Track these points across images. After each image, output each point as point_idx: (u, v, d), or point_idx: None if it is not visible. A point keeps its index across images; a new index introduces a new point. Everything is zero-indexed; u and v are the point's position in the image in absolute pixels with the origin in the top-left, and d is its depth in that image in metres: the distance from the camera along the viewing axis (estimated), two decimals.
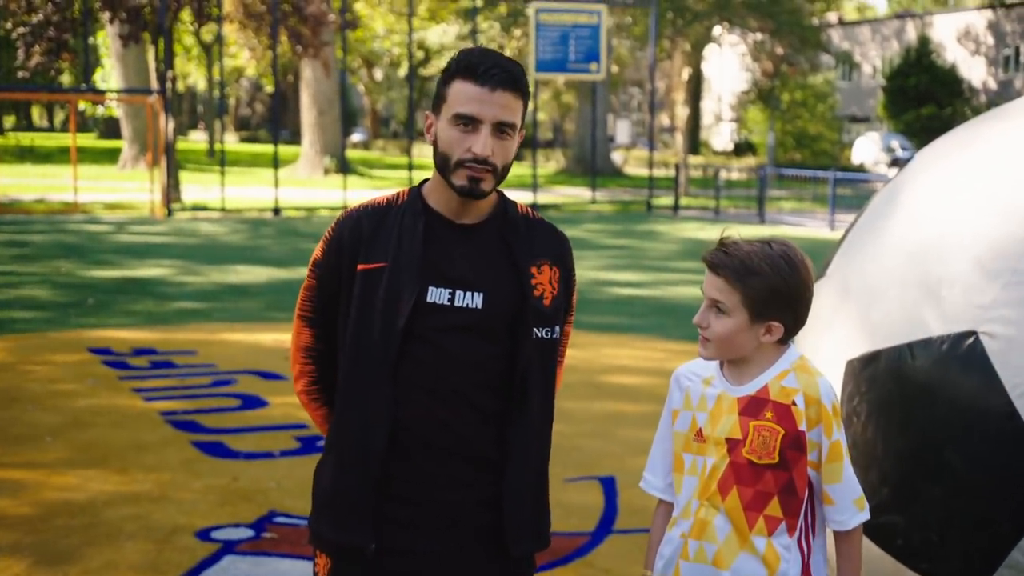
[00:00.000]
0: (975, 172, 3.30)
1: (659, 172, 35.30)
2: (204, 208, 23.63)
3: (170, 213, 22.31)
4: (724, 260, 2.45)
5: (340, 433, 2.54)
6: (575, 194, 31.61)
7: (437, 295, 2.46)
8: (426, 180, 2.60)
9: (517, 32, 29.82)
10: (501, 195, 2.60)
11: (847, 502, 2.50)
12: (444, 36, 31.69)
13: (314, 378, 2.64)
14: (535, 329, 2.51)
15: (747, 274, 2.43)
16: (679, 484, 2.55)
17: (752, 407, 2.47)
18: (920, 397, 3.09)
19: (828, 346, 3.46)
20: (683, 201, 27.95)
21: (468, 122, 2.43)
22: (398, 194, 2.60)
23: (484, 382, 2.49)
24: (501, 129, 2.44)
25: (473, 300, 2.47)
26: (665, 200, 28.11)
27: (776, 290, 2.44)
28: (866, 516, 2.54)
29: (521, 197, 28.29)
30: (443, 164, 2.47)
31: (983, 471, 2.98)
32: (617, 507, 5.54)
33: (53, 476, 5.73)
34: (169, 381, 7.97)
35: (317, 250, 2.60)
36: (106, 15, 24.37)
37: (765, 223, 23.42)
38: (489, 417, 2.51)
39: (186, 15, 26.41)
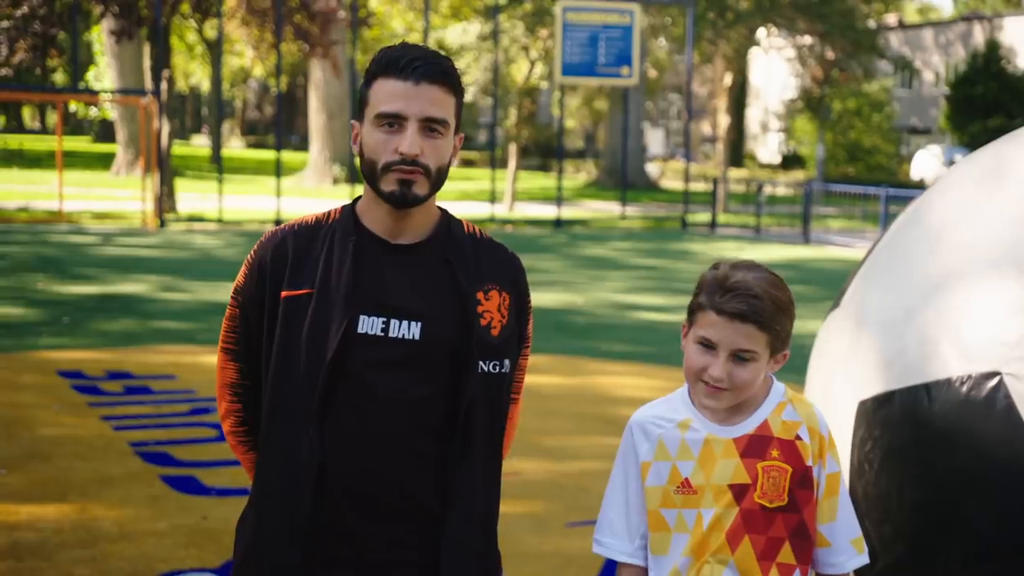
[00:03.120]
0: (1005, 197, 3.22)
1: (699, 186, 35.24)
2: (200, 219, 23.73)
3: (163, 224, 22.42)
4: (755, 306, 2.37)
5: (262, 484, 2.46)
6: (604, 209, 31.58)
7: (369, 325, 2.37)
8: (360, 197, 2.52)
9: (543, 32, 29.86)
10: (444, 212, 2.53)
11: (844, 542, 2.46)
12: (464, 35, 31.74)
13: (241, 418, 2.56)
14: (480, 363, 2.42)
15: (776, 313, 2.39)
16: (664, 544, 2.47)
17: (754, 447, 2.42)
18: (938, 444, 3.02)
19: (840, 384, 3.40)
20: (722, 218, 27.88)
21: (393, 121, 2.36)
22: (329, 212, 2.51)
23: (423, 424, 2.40)
24: (430, 127, 2.37)
25: (410, 330, 2.39)
26: (702, 216, 28.04)
27: (792, 319, 2.44)
28: (865, 560, 2.49)
29: (544, 211, 28.38)
30: (370, 172, 2.40)
31: (1007, 527, 2.90)
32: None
33: (4, 513, 5.69)
34: (143, 408, 7.94)
35: (239, 274, 2.52)
36: (98, 9, 24.53)
37: (810, 243, 23.31)
38: (429, 464, 2.41)
39: (186, 9, 26.54)
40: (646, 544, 2.51)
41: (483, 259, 2.50)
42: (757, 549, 2.39)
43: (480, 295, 2.45)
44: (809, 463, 2.41)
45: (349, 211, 2.48)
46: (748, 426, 2.43)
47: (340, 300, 2.37)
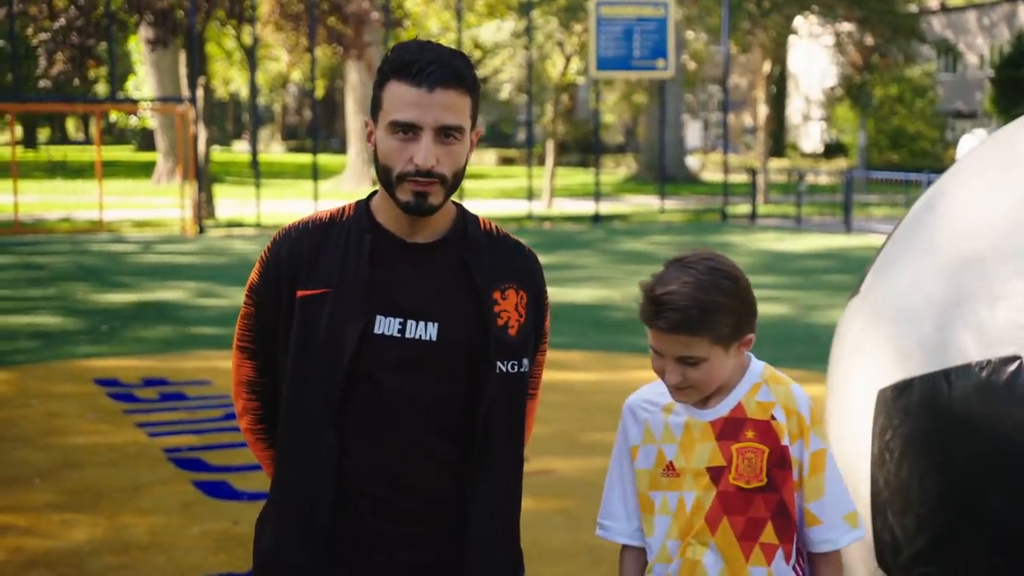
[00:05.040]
0: (1020, 178, 3.15)
1: (740, 177, 35.03)
2: (239, 224, 23.88)
3: (202, 230, 22.58)
4: (677, 320, 2.37)
5: (281, 485, 2.46)
6: (644, 203, 31.48)
7: (386, 325, 2.37)
8: (375, 192, 2.50)
9: (577, 27, 29.79)
10: (460, 209, 2.52)
11: (835, 518, 2.46)
12: (499, 33, 31.73)
13: (259, 415, 2.56)
14: (499, 363, 2.41)
15: (706, 316, 2.37)
16: (649, 526, 2.51)
17: (729, 429, 2.44)
18: (959, 431, 2.96)
19: (859, 373, 3.34)
20: (762, 209, 27.70)
21: (406, 129, 2.33)
22: (344, 208, 2.50)
23: (441, 426, 2.40)
24: (446, 133, 2.34)
25: (427, 331, 2.38)
26: (743, 208, 27.88)
27: (737, 312, 2.42)
28: (860, 534, 2.50)
29: (583, 207, 28.32)
30: (385, 179, 2.38)
31: None
32: None
33: (38, 521, 5.75)
34: (178, 415, 7.99)
35: (253, 272, 2.52)
36: (133, 19, 24.73)
37: (852, 232, 23.12)
38: (447, 466, 2.42)
39: (222, 16, 26.70)
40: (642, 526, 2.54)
41: (499, 257, 2.48)
42: (737, 530, 2.41)
43: (496, 294, 2.44)
44: (785, 443, 2.42)
45: (364, 208, 2.47)
46: (723, 409, 2.45)
47: (357, 300, 2.37)
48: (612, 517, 2.58)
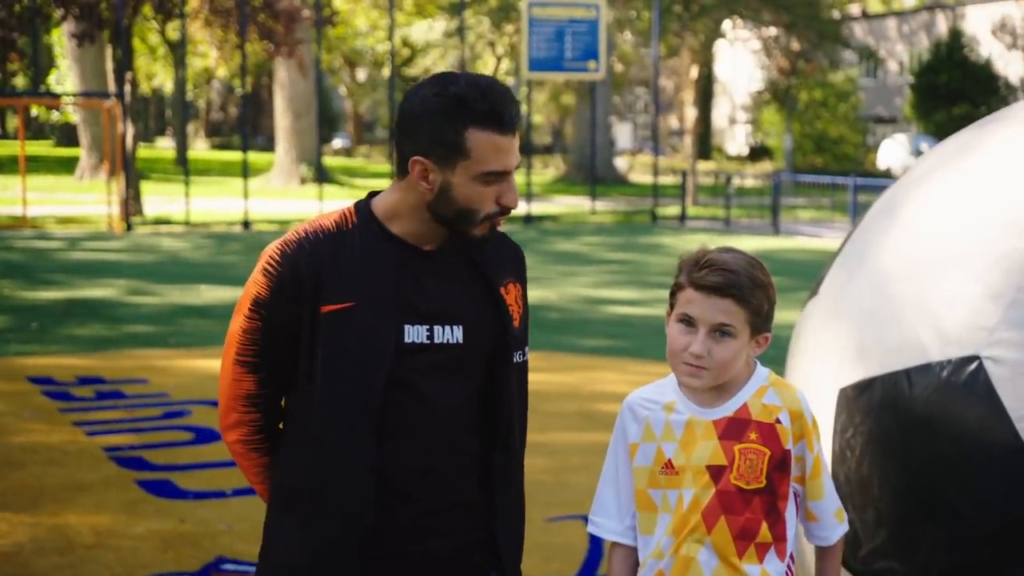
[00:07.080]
0: (980, 181, 3.25)
1: (668, 179, 35.30)
2: (167, 222, 23.59)
3: (129, 228, 22.27)
4: (731, 279, 2.42)
5: (310, 490, 2.47)
6: (574, 204, 31.60)
7: (415, 334, 2.43)
8: (372, 194, 2.53)
9: (509, 28, 29.85)
10: None
11: (829, 517, 2.58)
12: (430, 32, 31.74)
13: (258, 427, 2.57)
14: (515, 355, 2.53)
15: (754, 289, 2.44)
16: (650, 524, 2.53)
17: (733, 429, 2.47)
18: (918, 430, 3.04)
19: (820, 372, 3.41)
20: (691, 211, 27.95)
21: (499, 176, 2.41)
22: (343, 216, 2.49)
23: (466, 422, 2.50)
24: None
25: (453, 334, 2.46)
26: (672, 209, 28.09)
27: (772, 300, 2.49)
28: (846, 527, 2.63)
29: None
30: (464, 219, 2.42)
31: (989, 511, 2.92)
32: (603, 548, 5.48)
33: None
34: (116, 413, 7.90)
35: (257, 286, 2.46)
36: (58, 12, 24.32)
37: (780, 234, 23.40)
38: (473, 458, 2.51)
39: (148, 11, 26.34)
40: (635, 524, 2.57)
41: (497, 253, 2.58)
42: (734, 530, 2.44)
43: (503, 290, 2.54)
44: (788, 447, 2.46)
45: (368, 216, 2.48)
46: (728, 409, 2.48)
47: (385, 312, 2.41)
48: (604, 514, 2.61)
